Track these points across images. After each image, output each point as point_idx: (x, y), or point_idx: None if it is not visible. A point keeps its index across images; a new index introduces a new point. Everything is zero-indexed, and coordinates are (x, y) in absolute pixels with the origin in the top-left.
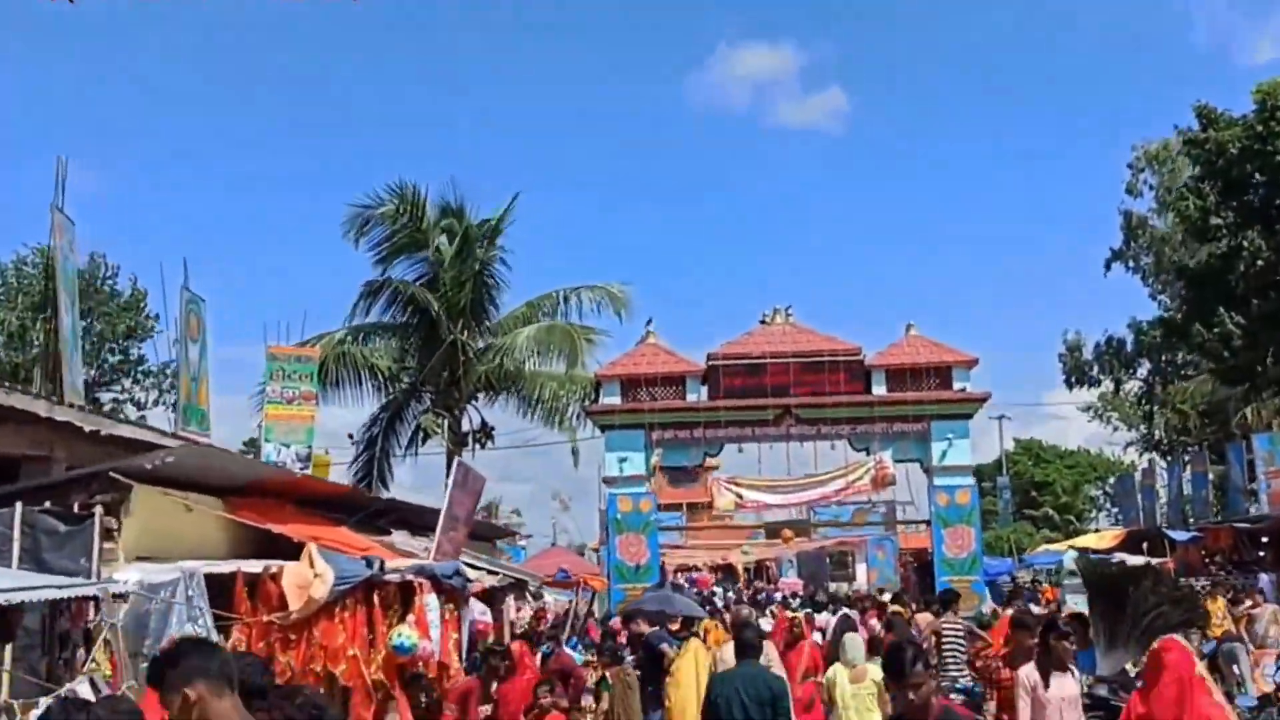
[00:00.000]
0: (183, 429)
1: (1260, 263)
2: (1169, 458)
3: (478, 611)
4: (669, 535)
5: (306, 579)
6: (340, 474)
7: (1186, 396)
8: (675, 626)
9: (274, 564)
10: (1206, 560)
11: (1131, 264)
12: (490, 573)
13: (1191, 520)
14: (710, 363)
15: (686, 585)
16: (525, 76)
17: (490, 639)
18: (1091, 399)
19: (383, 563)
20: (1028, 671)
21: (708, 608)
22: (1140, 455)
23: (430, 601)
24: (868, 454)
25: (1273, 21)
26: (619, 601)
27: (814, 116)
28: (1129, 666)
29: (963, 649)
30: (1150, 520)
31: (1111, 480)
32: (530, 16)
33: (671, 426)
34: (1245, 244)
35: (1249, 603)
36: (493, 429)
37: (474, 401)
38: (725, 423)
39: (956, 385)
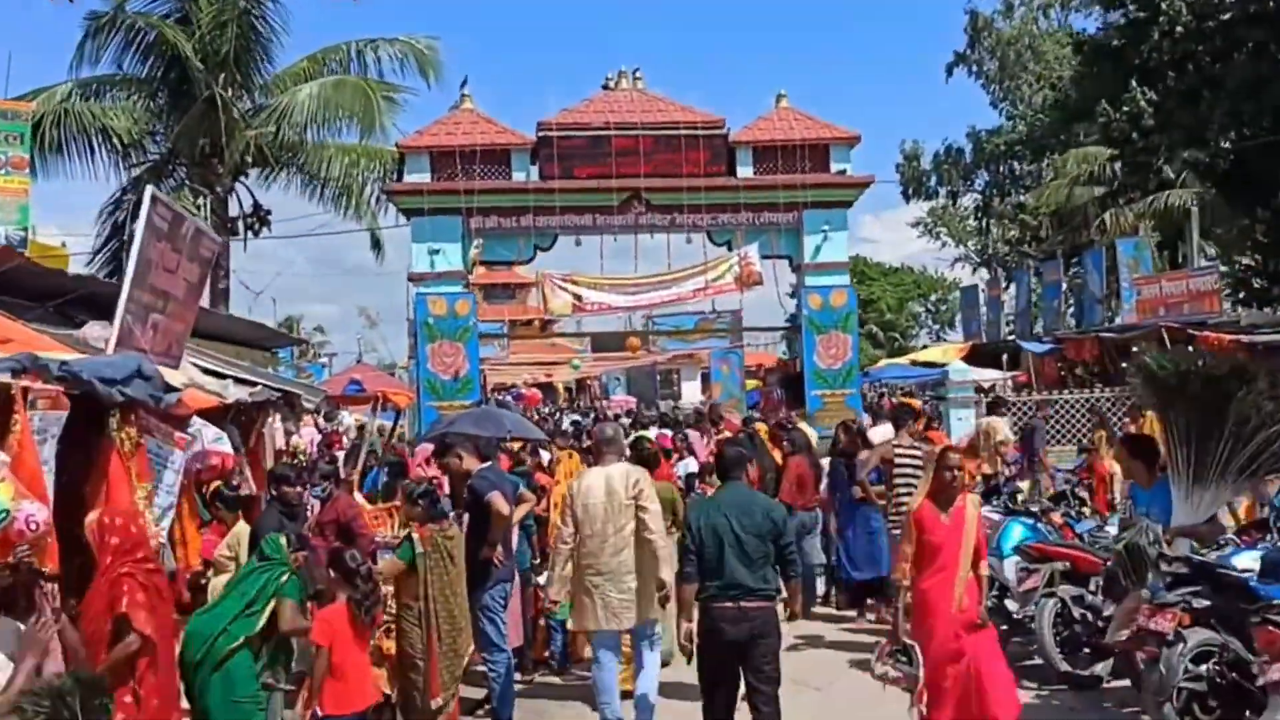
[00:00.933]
0: None
1: (1180, 29)
2: (1005, 270)
3: (209, 439)
4: (488, 349)
5: None
6: (82, 266)
7: (1041, 201)
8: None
9: None
10: (1064, 374)
11: (975, 69)
12: (243, 382)
13: (1040, 333)
14: (542, 134)
15: (512, 402)
16: None
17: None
18: (921, 214)
19: None
20: None
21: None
22: (974, 270)
23: (47, 423)
24: (730, 249)
25: None
26: (431, 423)
27: None
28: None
29: (917, 480)
30: (994, 333)
31: (934, 297)
32: None
33: (494, 212)
34: (1164, 6)
35: None
36: (268, 212)
37: (243, 178)
38: (560, 208)
39: (835, 168)
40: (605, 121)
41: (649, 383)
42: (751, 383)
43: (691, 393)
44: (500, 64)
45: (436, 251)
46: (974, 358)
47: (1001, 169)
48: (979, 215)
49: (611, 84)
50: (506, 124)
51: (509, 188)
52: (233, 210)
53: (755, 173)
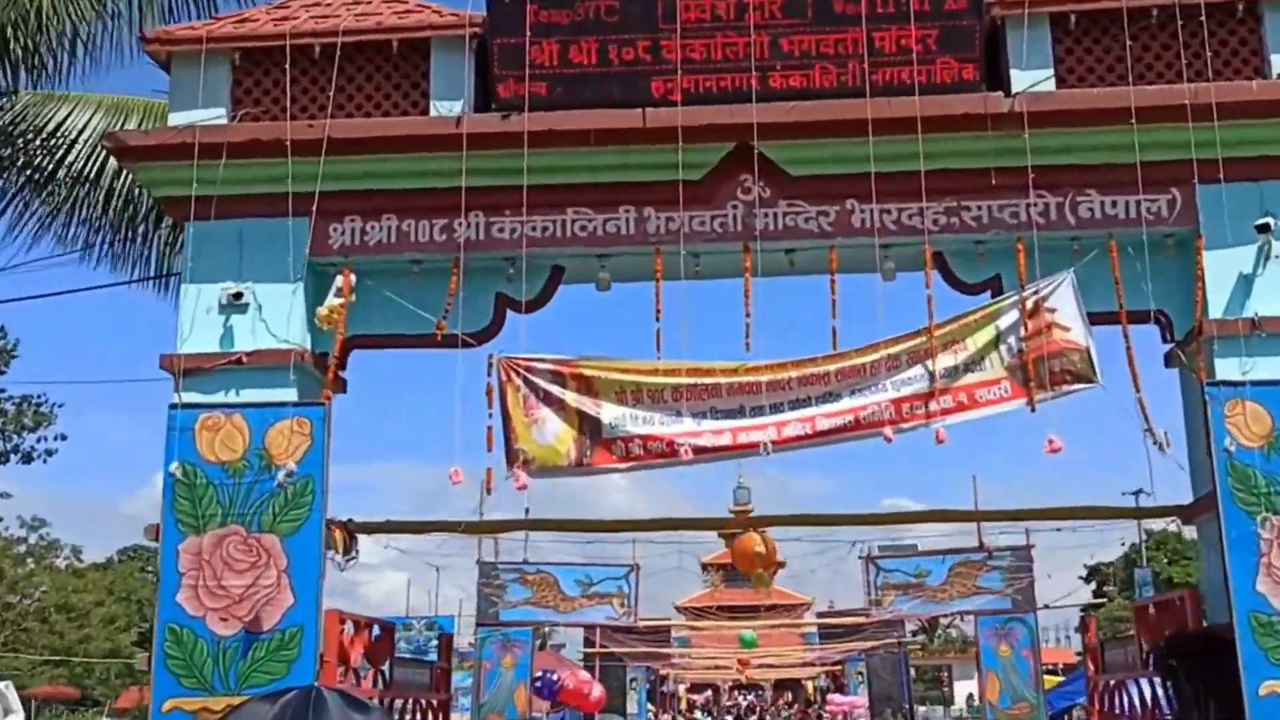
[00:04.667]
0: None
1: None
2: None
3: None
4: (600, 611)
5: None
6: None
7: None
8: None
9: None
10: None
11: None
12: None
13: None
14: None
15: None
16: None
17: None
18: None
19: None
20: None
21: None
22: None
23: None
24: (996, 292)
25: None
26: None
27: None
28: None
29: None
30: None
31: None
32: None
33: (381, 200)
34: None
35: None
36: None
37: None
38: (550, 190)
39: (1277, 63)
40: None
41: (892, 675)
42: (1051, 679)
43: (968, 693)
44: None
45: (237, 299)
46: None
47: None
48: None
49: None
50: None
51: (422, 135)
52: None
53: (1062, 83)
